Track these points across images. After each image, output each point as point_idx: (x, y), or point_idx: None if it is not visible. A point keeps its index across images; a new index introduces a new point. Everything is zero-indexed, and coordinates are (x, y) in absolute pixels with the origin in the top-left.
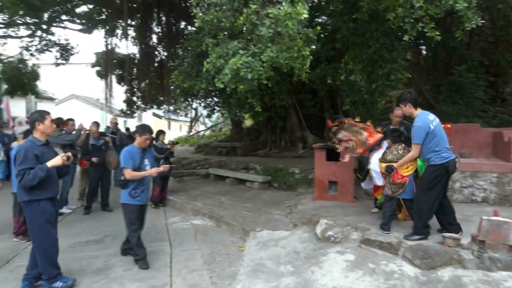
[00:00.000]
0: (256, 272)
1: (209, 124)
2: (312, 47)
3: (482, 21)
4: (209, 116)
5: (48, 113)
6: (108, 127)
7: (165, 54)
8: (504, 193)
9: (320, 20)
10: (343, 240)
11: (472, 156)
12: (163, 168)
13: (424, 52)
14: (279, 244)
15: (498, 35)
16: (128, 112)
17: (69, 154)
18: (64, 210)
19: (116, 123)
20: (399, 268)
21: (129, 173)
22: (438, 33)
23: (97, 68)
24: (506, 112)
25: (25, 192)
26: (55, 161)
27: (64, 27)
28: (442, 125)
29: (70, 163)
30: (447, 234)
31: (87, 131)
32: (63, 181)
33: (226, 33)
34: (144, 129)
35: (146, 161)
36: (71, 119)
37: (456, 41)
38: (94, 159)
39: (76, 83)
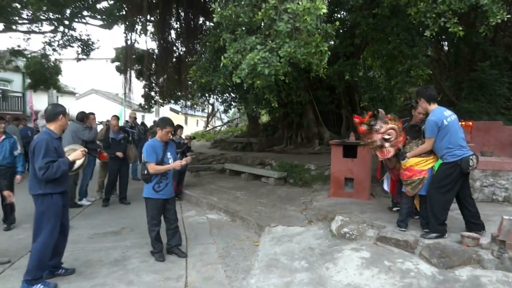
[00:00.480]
0: (270, 267)
1: (226, 119)
2: (331, 42)
3: (508, 16)
4: (225, 111)
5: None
6: (127, 121)
7: (183, 49)
8: None
9: (339, 15)
10: (358, 237)
11: (494, 155)
12: (185, 160)
13: (446, 48)
14: (294, 240)
15: None
16: (146, 106)
17: (85, 149)
18: (84, 202)
19: (135, 118)
20: (416, 266)
21: (152, 167)
22: (461, 28)
23: (117, 63)
24: None
25: (39, 185)
26: (77, 155)
27: (86, 23)
28: (463, 123)
29: (89, 156)
30: (466, 234)
31: (107, 124)
32: (83, 174)
33: (244, 28)
34: (165, 122)
35: (169, 155)
36: (92, 113)
37: (480, 37)
38: (118, 154)
39: (96, 78)
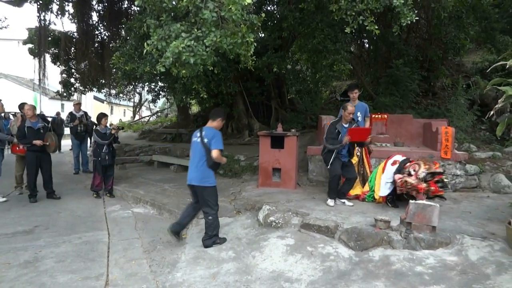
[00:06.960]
0: (198, 259)
1: (156, 109)
2: (261, 35)
3: (417, 18)
4: (154, 101)
5: None
6: (71, 112)
7: (107, 33)
8: None
9: (268, 8)
10: (284, 225)
11: (405, 145)
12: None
13: (366, 45)
14: (222, 230)
15: (432, 33)
16: (65, 94)
17: None
18: None
19: (80, 104)
20: (335, 250)
21: None
22: (377, 27)
23: (30, 45)
24: (436, 104)
25: None
26: None
27: None
28: (379, 115)
29: None
30: (379, 217)
31: (22, 115)
32: None
33: (170, 14)
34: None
35: None
36: None
37: (395, 36)
38: (36, 142)
39: (6, 61)
